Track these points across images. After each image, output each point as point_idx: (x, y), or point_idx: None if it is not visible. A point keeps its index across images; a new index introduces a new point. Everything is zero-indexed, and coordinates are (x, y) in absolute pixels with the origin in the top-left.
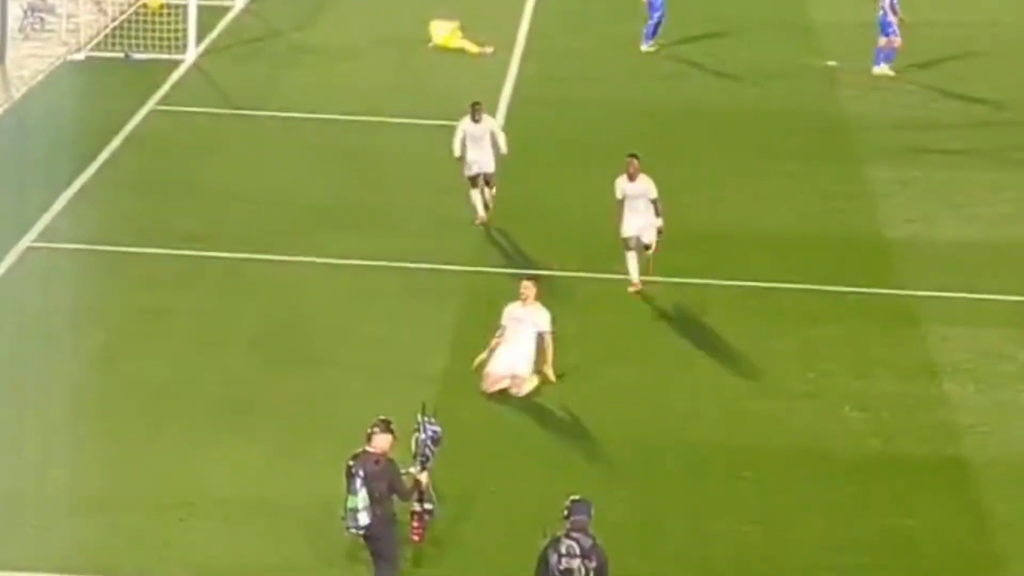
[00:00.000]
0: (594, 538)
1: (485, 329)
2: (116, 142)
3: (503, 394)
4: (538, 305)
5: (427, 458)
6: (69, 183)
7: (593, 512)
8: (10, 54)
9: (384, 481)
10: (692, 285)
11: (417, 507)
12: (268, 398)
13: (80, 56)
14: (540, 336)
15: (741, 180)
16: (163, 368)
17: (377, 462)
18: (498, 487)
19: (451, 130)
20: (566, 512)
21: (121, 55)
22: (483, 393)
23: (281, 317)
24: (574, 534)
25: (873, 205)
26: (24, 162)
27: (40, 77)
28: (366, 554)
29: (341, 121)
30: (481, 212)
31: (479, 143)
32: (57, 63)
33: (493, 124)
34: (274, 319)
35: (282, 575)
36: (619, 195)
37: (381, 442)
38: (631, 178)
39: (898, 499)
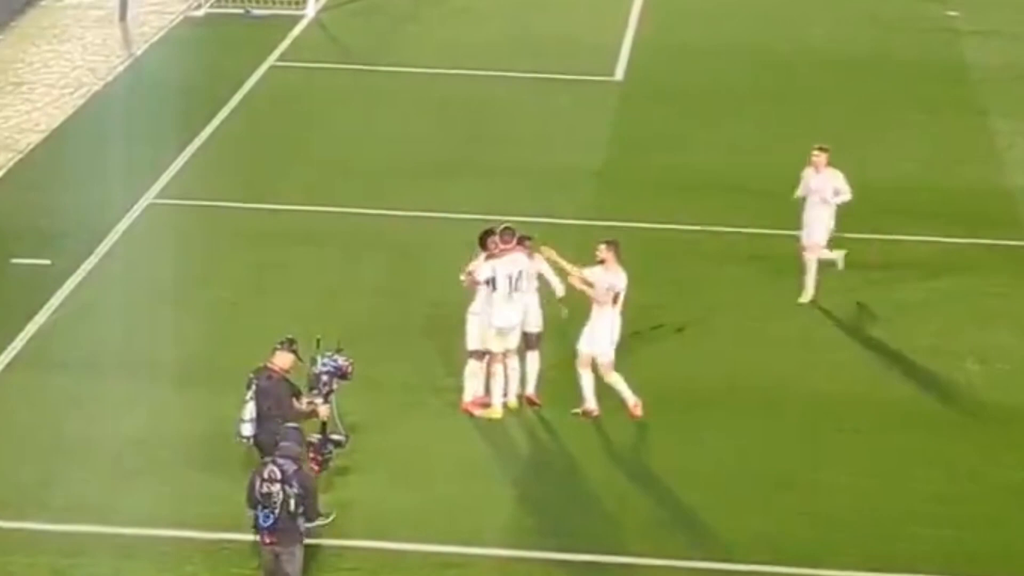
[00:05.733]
0: (300, 465)
1: None
2: (236, 98)
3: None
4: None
5: (319, 390)
6: (189, 140)
7: (303, 440)
8: (131, 11)
9: (271, 398)
10: None
11: (314, 438)
12: (389, 353)
13: (200, 12)
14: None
15: (861, 130)
16: (283, 323)
17: (270, 378)
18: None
19: (570, 84)
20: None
21: (240, 11)
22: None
23: (401, 271)
24: (279, 460)
25: (995, 156)
26: (145, 119)
27: (160, 34)
28: None
29: (459, 75)
30: (497, 410)
31: (522, 287)
32: (177, 19)
33: (544, 264)
34: (393, 274)
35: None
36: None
37: (279, 360)
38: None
39: (1018, 452)
